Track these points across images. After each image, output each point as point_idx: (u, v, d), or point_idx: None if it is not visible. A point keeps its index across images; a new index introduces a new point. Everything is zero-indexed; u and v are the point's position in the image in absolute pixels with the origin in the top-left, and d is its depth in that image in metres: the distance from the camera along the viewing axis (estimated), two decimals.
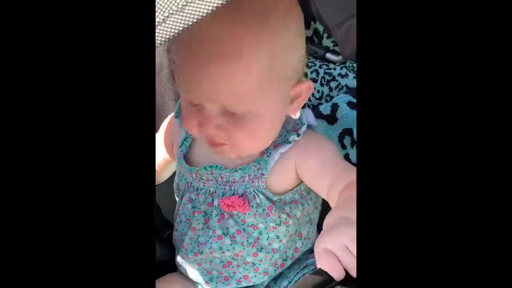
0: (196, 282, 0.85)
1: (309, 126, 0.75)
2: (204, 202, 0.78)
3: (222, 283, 0.81)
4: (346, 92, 0.85)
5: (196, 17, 0.49)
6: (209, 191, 0.78)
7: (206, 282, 0.82)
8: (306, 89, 0.70)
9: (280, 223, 0.76)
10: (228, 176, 0.76)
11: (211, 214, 0.77)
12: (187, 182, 0.80)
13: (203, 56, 0.63)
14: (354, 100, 0.84)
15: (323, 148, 0.74)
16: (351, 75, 0.87)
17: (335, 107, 0.85)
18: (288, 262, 0.81)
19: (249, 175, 0.75)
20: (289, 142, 0.73)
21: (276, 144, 0.74)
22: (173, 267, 0.89)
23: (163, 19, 0.52)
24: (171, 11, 0.49)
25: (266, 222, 0.76)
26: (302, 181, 0.76)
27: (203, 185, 0.78)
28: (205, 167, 0.76)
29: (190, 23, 0.51)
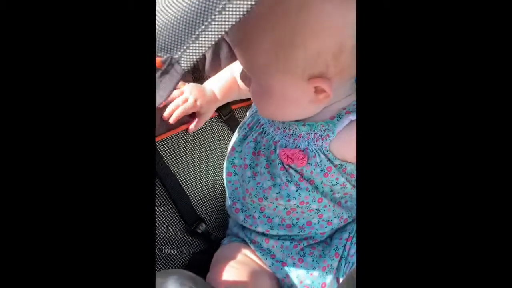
0: (250, 237, 0.86)
1: None
2: (268, 148, 0.81)
3: (284, 229, 0.83)
4: None
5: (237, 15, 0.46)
6: (274, 139, 0.80)
7: (267, 231, 0.84)
8: (327, 87, 0.70)
9: (336, 184, 0.79)
10: (295, 129, 0.78)
11: (272, 162, 0.80)
12: (259, 122, 0.83)
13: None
14: None
15: None
16: None
17: None
18: (350, 220, 0.85)
19: (315, 133, 0.77)
20: None
21: (348, 111, 0.76)
22: (207, 257, 0.88)
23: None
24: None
25: (322, 181, 0.79)
26: None
27: (271, 131, 0.81)
28: None
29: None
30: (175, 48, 0.42)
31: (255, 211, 0.84)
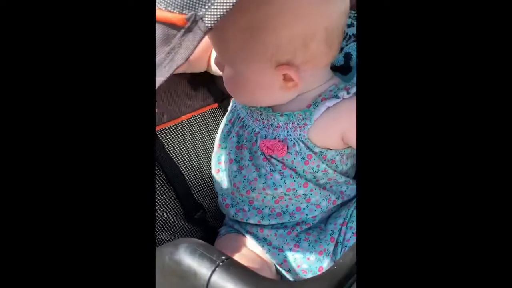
0: (245, 228, 0.87)
1: None
2: (250, 140, 0.83)
3: (275, 219, 0.85)
4: (354, 41, 0.87)
5: None
6: (255, 130, 0.82)
7: (258, 222, 0.85)
8: (294, 75, 0.73)
9: (318, 171, 0.79)
10: (273, 119, 0.80)
11: (255, 153, 0.82)
12: (239, 116, 0.85)
13: None
14: None
15: None
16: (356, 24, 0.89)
17: (348, 56, 0.88)
18: (340, 201, 0.85)
19: (292, 123, 0.79)
20: (338, 98, 0.77)
21: (324, 98, 0.77)
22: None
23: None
24: None
25: (304, 169, 0.80)
26: (348, 147, 0.79)
27: (251, 123, 0.83)
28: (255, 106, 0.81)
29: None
30: (200, 5, 0.44)
31: (244, 205, 0.86)
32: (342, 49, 0.88)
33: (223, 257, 0.56)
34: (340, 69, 0.87)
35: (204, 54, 0.92)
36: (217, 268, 0.56)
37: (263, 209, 0.85)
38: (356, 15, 0.92)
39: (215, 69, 0.90)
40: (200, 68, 0.94)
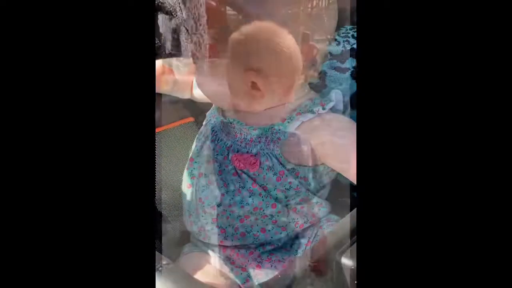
0: (208, 246, 0.85)
1: (337, 111, 0.80)
2: (221, 154, 0.80)
3: (238, 239, 0.81)
4: (330, 59, 0.86)
5: None
6: (227, 144, 0.80)
7: (221, 242, 0.83)
8: (261, 84, 0.72)
9: (290, 188, 0.76)
10: (246, 133, 0.78)
11: (225, 168, 0.79)
12: (213, 130, 0.83)
13: None
14: (341, 65, 0.85)
15: (351, 129, 0.74)
16: (333, 42, 0.88)
17: (322, 74, 0.86)
18: (307, 225, 0.83)
19: (266, 137, 0.77)
20: (313, 113, 0.76)
21: (299, 113, 0.77)
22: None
23: None
24: None
25: (275, 186, 0.76)
26: (321, 163, 0.78)
27: (224, 137, 0.80)
28: (228, 119, 0.80)
29: None
30: None
31: (206, 223, 0.83)
32: None
33: (164, 262, 0.54)
34: (314, 87, 0.86)
35: (188, 77, 0.92)
36: (156, 273, 0.53)
37: (226, 227, 0.82)
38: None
39: (200, 97, 0.90)
40: (184, 93, 0.94)
